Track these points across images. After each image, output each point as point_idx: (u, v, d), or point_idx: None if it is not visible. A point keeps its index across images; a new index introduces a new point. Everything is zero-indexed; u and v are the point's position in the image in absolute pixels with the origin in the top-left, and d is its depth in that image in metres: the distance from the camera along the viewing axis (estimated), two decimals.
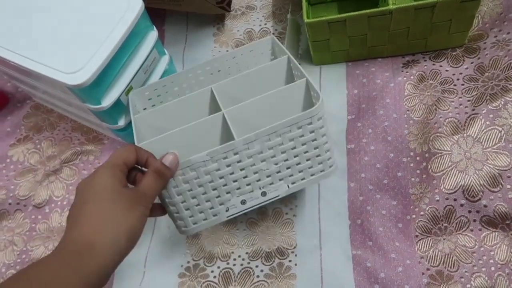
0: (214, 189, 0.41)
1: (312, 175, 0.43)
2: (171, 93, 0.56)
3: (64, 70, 0.47)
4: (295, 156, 0.42)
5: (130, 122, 0.57)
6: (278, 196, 0.43)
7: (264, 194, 0.42)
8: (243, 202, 0.42)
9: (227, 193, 0.42)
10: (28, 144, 0.63)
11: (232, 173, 0.41)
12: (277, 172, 0.42)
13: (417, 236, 0.49)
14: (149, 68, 0.57)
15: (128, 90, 0.54)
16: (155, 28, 0.56)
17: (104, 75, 0.49)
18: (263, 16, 0.68)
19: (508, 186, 0.46)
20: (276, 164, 0.42)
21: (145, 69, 0.56)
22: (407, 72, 0.57)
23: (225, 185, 0.41)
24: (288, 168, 0.42)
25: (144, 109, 0.56)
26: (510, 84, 0.50)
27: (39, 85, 0.55)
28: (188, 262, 0.52)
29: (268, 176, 0.42)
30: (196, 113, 0.51)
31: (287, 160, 0.42)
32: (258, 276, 0.50)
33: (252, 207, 0.43)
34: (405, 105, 0.55)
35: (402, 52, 0.59)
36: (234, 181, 0.41)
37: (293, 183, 0.43)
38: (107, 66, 0.49)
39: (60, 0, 0.52)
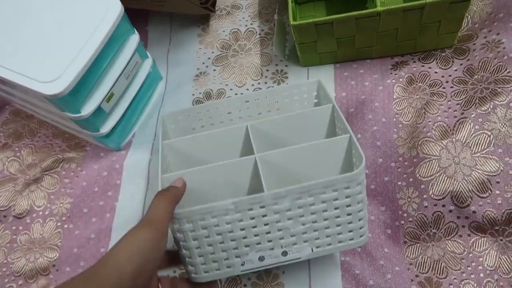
0: (232, 240, 0.38)
1: (339, 242, 0.40)
2: (205, 121, 0.55)
3: (40, 80, 0.45)
4: (325, 220, 0.39)
5: (113, 128, 0.55)
6: (299, 258, 0.40)
7: (285, 254, 0.39)
8: (261, 258, 0.39)
9: (245, 246, 0.39)
10: (7, 152, 0.61)
11: (255, 227, 0.38)
12: (303, 233, 0.39)
13: (405, 242, 0.49)
14: (131, 73, 0.55)
15: (109, 97, 0.52)
16: (136, 32, 0.54)
17: (83, 83, 0.47)
18: (249, 16, 0.66)
19: (497, 192, 0.46)
20: (304, 224, 0.39)
21: (126, 75, 0.54)
22: (396, 74, 0.56)
23: (245, 237, 0.38)
24: (315, 230, 0.39)
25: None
26: (499, 87, 0.49)
27: (16, 93, 0.53)
28: (175, 271, 0.51)
29: (292, 236, 0.39)
30: (228, 148, 0.48)
31: (315, 222, 0.39)
32: (245, 285, 0.49)
33: (269, 265, 0.40)
34: (394, 109, 0.54)
35: (391, 53, 0.58)
36: (256, 235, 0.38)
37: (317, 247, 0.40)
38: (85, 74, 0.47)
39: (36, 7, 0.50)
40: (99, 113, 0.52)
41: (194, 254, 0.39)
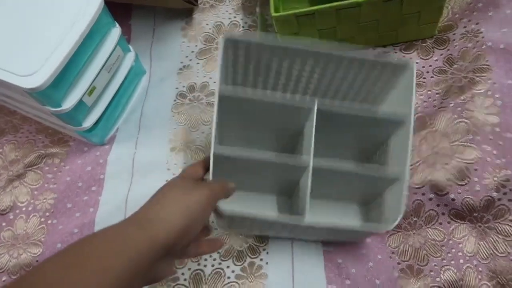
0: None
1: None
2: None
3: (19, 73, 0.45)
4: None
5: (96, 122, 0.55)
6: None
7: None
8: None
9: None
10: None
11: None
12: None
13: (387, 231, 0.49)
14: (113, 67, 0.55)
15: (91, 90, 0.52)
16: (117, 25, 0.54)
17: (63, 76, 0.47)
18: (232, 8, 0.66)
19: (476, 179, 0.46)
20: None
21: (108, 68, 0.54)
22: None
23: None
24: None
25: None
26: (477, 76, 0.50)
27: None
28: None
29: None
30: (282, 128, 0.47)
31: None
32: (229, 278, 0.50)
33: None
34: None
35: (373, 44, 0.58)
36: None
37: None
38: (66, 67, 0.47)
39: None
40: (81, 107, 0.52)
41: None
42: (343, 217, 0.50)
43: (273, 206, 0.51)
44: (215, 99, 0.41)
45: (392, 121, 0.43)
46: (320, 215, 0.44)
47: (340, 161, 0.44)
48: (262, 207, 0.51)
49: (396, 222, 0.40)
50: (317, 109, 0.41)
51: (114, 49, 0.53)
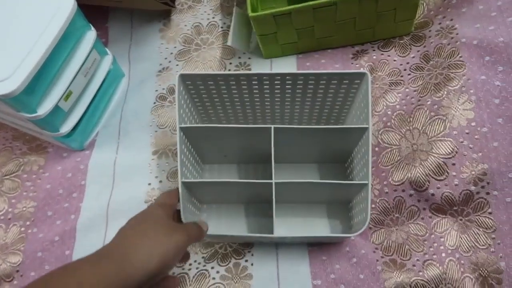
0: None
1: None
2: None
3: None
4: None
5: (74, 127, 0.54)
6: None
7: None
8: None
9: None
10: None
11: None
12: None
13: (370, 228, 0.50)
14: (90, 71, 0.54)
15: (67, 95, 0.51)
16: (92, 28, 0.53)
17: (37, 81, 0.46)
18: (210, 9, 0.65)
19: (454, 174, 0.47)
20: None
21: (84, 72, 0.53)
22: (357, 64, 0.57)
23: None
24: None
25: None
26: (452, 73, 0.50)
27: None
28: None
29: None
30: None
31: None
32: (214, 278, 0.49)
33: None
34: None
35: (351, 42, 0.59)
36: None
37: None
38: (39, 72, 0.46)
39: None
40: (58, 113, 0.51)
41: None
42: (315, 220, 0.52)
43: (247, 213, 0.53)
44: (177, 133, 0.45)
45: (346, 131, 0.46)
46: (289, 220, 0.51)
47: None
48: (236, 216, 0.53)
49: (362, 230, 0.42)
50: (274, 128, 0.45)
51: (90, 53, 0.52)
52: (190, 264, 0.50)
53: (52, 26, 0.46)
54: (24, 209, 0.55)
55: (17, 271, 0.52)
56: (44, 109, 0.48)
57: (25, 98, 0.46)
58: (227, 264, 0.50)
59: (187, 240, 0.38)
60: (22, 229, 0.54)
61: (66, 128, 0.53)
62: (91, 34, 0.52)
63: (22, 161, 0.58)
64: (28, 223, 0.54)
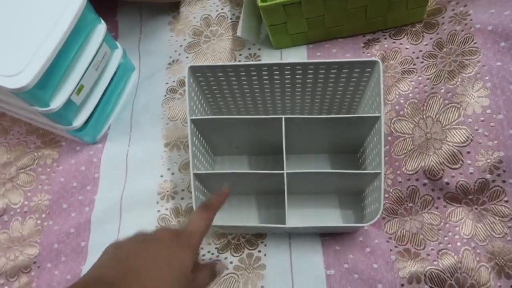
0: None
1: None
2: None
3: (4, 74, 0.44)
4: None
5: (86, 121, 0.55)
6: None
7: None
8: None
9: None
10: None
11: None
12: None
13: (384, 218, 0.49)
14: (101, 64, 0.54)
15: (79, 89, 0.51)
16: (102, 21, 0.53)
17: (49, 75, 0.47)
18: (219, 0, 0.65)
19: (469, 162, 0.46)
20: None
21: (96, 66, 0.53)
22: (368, 53, 0.56)
23: None
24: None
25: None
26: (466, 60, 0.49)
27: None
28: None
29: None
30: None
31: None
32: (227, 269, 0.50)
33: None
34: None
35: (362, 31, 0.58)
36: None
37: None
38: (51, 66, 0.46)
39: None
40: (70, 106, 0.51)
41: None
42: (327, 210, 0.52)
43: (259, 204, 0.53)
44: (188, 125, 0.45)
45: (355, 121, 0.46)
46: (301, 211, 0.51)
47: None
48: (248, 207, 0.53)
49: (376, 219, 0.42)
50: (285, 118, 0.45)
51: (100, 46, 0.52)
52: (204, 255, 0.51)
53: (63, 19, 0.47)
54: (40, 202, 0.56)
55: (34, 262, 0.53)
56: (56, 102, 0.49)
57: (38, 92, 0.46)
58: (241, 255, 0.50)
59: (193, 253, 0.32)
60: (38, 221, 0.55)
61: (78, 121, 0.53)
62: (101, 28, 0.53)
63: (37, 155, 0.59)
64: (43, 215, 0.55)
